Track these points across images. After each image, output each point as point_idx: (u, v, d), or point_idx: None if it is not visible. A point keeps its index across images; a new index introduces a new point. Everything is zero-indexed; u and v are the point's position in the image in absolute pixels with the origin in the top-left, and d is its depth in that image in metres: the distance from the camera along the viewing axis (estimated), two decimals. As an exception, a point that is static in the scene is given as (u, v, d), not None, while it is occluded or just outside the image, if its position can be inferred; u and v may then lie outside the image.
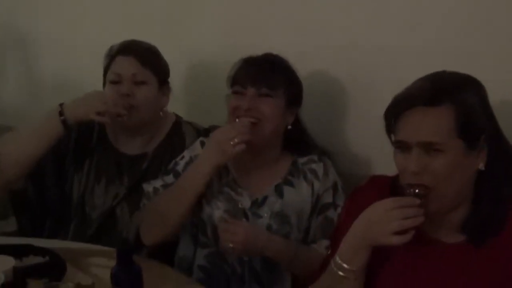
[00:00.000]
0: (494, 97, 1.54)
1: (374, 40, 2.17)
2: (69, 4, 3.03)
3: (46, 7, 3.12)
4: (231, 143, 1.89)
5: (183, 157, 2.10)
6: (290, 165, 2.04)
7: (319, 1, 2.29)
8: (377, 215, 1.45)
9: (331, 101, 2.29)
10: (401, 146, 1.47)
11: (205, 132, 2.19)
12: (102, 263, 1.84)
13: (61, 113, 2.11)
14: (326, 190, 2.00)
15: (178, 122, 2.30)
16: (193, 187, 1.96)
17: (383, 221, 1.43)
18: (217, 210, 2.01)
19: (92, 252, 1.96)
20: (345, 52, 2.23)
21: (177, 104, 2.37)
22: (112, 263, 1.56)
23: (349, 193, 1.77)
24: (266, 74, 1.97)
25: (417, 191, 1.44)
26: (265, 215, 1.99)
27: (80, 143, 2.27)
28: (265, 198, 2.01)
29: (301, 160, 2.04)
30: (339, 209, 1.96)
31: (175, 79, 2.34)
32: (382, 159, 1.69)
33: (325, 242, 1.94)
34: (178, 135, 2.26)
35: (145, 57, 2.22)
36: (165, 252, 2.08)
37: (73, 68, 3.00)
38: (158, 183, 2.08)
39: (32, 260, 1.79)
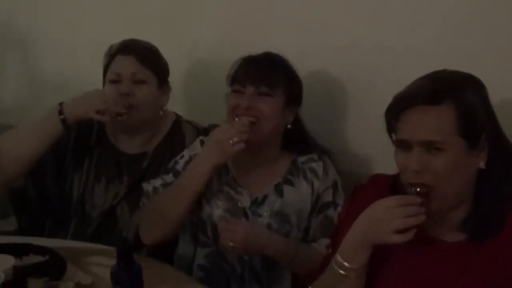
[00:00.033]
0: (494, 97, 1.54)
1: (374, 40, 2.17)
2: (69, 4, 3.04)
3: (46, 7, 3.12)
4: (230, 142, 1.89)
5: (182, 156, 2.10)
6: (290, 164, 2.04)
7: (319, 1, 2.29)
8: (378, 214, 1.45)
9: (331, 101, 2.29)
10: (402, 145, 1.48)
11: (205, 131, 2.19)
12: (102, 262, 1.84)
13: (60, 112, 2.11)
14: (326, 189, 2.00)
15: (178, 121, 2.30)
16: (193, 186, 1.96)
17: (385, 220, 1.43)
18: (217, 209, 2.01)
19: (92, 251, 1.96)
20: (345, 52, 2.23)
21: (177, 103, 2.38)
22: (112, 262, 1.56)
23: (349, 192, 1.77)
24: (265, 73, 1.97)
25: (418, 189, 1.44)
26: (265, 214, 1.99)
27: (80, 142, 2.27)
28: (265, 197, 2.01)
29: (301, 159, 2.04)
30: (339, 208, 1.97)
31: (175, 78, 2.34)
32: (382, 158, 1.70)
33: (325, 241, 1.94)
34: (178, 134, 2.26)
35: (144, 56, 2.22)
36: (164, 251, 2.08)
37: (73, 68, 3.01)
38: (157, 182, 2.08)
39: (32, 259, 1.79)
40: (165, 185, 2.05)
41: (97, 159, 2.27)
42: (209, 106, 2.45)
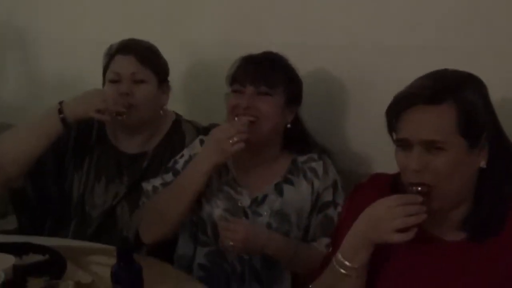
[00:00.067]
0: (494, 96, 1.54)
1: (374, 40, 2.17)
2: (69, 4, 3.04)
3: (46, 7, 3.13)
4: (230, 141, 1.89)
5: (182, 155, 2.10)
6: (290, 164, 2.04)
7: (319, 1, 2.29)
8: (379, 213, 1.45)
9: (331, 100, 2.29)
10: (402, 145, 1.48)
11: (205, 130, 2.19)
12: (102, 261, 1.83)
13: (60, 111, 2.11)
14: (326, 189, 2.00)
15: (178, 121, 2.30)
16: (192, 185, 1.96)
17: (386, 219, 1.43)
18: (216, 209, 2.01)
19: (92, 250, 1.96)
20: (345, 52, 2.23)
21: (177, 103, 2.38)
22: (112, 261, 1.56)
23: (349, 192, 1.77)
24: (265, 72, 1.97)
25: (419, 189, 1.44)
26: (265, 213, 1.99)
27: (80, 141, 2.27)
28: (265, 197, 2.01)
29: (301, 158, 2.04)
30: (339, 208, 1.97)
31: (175, 77, 2.35)
32: (382, 158, 1.69)
33: (325, 240, 1.94)
34: (178, 134, 2.26)
35: (144, 56, 2.22)
36: (164, 251, 2.07)
37: (73, 68, 3.01)
38: (157, 181, 2.08)
39: (32, 258, 1.79)
40: (165, 184, 2.05)
41: (97, 159, 2.27)
42: (209, 105, 2.45)
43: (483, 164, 1.47)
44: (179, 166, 2.07)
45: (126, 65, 2.20)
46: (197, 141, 2.11)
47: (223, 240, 1.89)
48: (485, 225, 1.48)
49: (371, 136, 1.96)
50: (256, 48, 2.05)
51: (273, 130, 1.99)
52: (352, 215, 1.53)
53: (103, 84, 2.25)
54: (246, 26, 2.47)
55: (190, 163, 2.01)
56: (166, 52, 2.29)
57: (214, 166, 1.95)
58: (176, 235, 2.09)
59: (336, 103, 2.28)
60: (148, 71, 2.21)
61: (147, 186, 2.09)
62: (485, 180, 1.48)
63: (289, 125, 2.03)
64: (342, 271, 1.48)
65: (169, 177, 2.07)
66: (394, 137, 1.50)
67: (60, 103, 2.12)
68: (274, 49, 2.06)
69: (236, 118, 1.95)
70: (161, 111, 2.26)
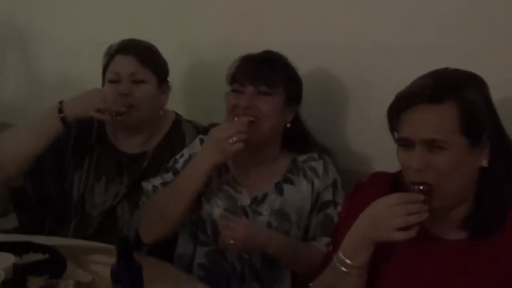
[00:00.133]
0: (495, 96, 1.54)
1: (374, 40, 2.17)
2: (69, 4, 3.04)
3: (46, 7, 3.13)
4: (230, 141, 1.89)
5: (182, 155, 2.10)
6: (290, 163, 2.04)
7: (319, 1, 2.29)
8: (380, 212, 1.45)
9: (331, 100, 2.29)
10: (404, 144, 1.48)
11: (205, 130, 2.19)
12: (102, 260, 1.83)
13: (60, 111, 2.11)
14: (326, 188, 2.00)
15: (177, 121, 2.30)
16: (192, 185, 1.96)
17: (387, 217, 1.43)
18: (216, 208, 2.01)
19: (92, 249, 1.95)
20: (345, 52, 2.23)
21: (177, 103, 2.38)
22: (112, 260, 1.55)
23: (349, 191, 1.77)
24: (265, 72, 1.97)
25: (421, 187, 1.44)
26: (265, 212, 1.99)
27: (80, 140, 2.27)
28: (265, 196, 2.01)
29: (301, 158, 2.04)
30: (339, 207, 1.97)
31: (174, 77, 2.35)
32: (382, 157, 1.70)
33: (325, 240, 1.94)
34: (178, 134, 2.26)
35: (144, 56, 2.22)
36: (164, 250, 2.07)
37: (73, 68, 3.01)
38: (157, 181, 2.08)
39: (32, 257, 1.79)
40: (165, 184, 2.05)
41: (97, 158, 2.27)
42: (209, 105, 2.45)
43: (484, 163, 1.47)
44: (179, 165, 2.07)
45: (125, 65, 2.20)
46: (197, 141, 2.11)
47: (223, 238, 1.89)
48: (486, 224, 1.48)
49: (371, 135, 1.96)
50: (256, 48, 2.05)
51: (273, 130, 1.99)
52: (352, 215, 1.53)
53: (103, 84, 2.25)
54: (246, 26, 2.47)
55: (190, 163, 2.01)
56: (166, 52, 2.29)
57: (214, 166, 1.94)
58: (176, 234, 2.09)
59: (336, 103, 2.28)
60: (148, 71, 2.21)
61: (147, 185, 2.09)
62: (486, 179, 1.48)
63: (289, 125, 2.02)
64: (343, 269, 1.48)
65: (169, 176, 2.07)
66: (396, 136, 1.51)
67: (60, 102, 2.13)
68: (274, 49, 2.06)
69: (236, 118, 1.95)
70: (161, 111, 2.27)
